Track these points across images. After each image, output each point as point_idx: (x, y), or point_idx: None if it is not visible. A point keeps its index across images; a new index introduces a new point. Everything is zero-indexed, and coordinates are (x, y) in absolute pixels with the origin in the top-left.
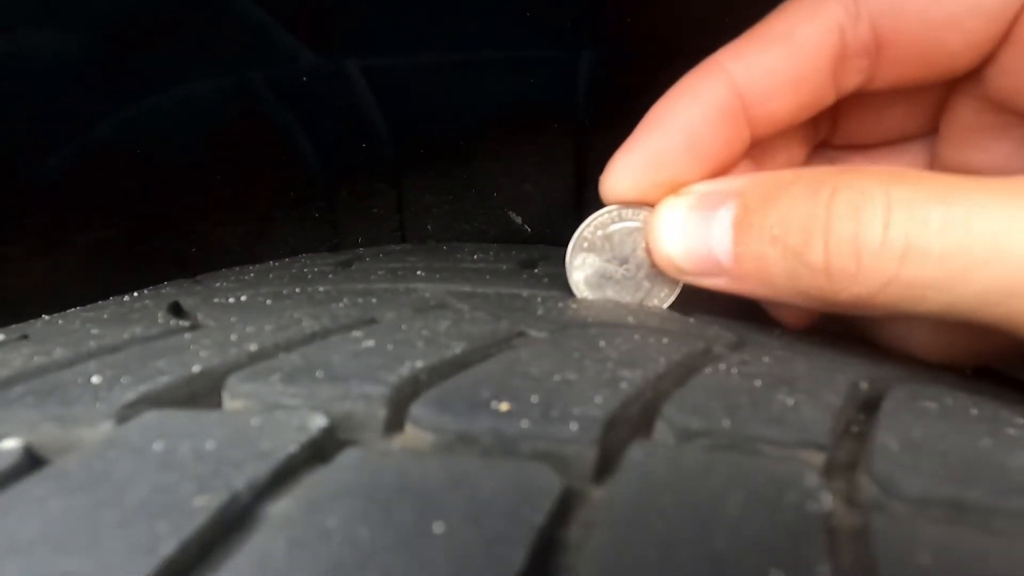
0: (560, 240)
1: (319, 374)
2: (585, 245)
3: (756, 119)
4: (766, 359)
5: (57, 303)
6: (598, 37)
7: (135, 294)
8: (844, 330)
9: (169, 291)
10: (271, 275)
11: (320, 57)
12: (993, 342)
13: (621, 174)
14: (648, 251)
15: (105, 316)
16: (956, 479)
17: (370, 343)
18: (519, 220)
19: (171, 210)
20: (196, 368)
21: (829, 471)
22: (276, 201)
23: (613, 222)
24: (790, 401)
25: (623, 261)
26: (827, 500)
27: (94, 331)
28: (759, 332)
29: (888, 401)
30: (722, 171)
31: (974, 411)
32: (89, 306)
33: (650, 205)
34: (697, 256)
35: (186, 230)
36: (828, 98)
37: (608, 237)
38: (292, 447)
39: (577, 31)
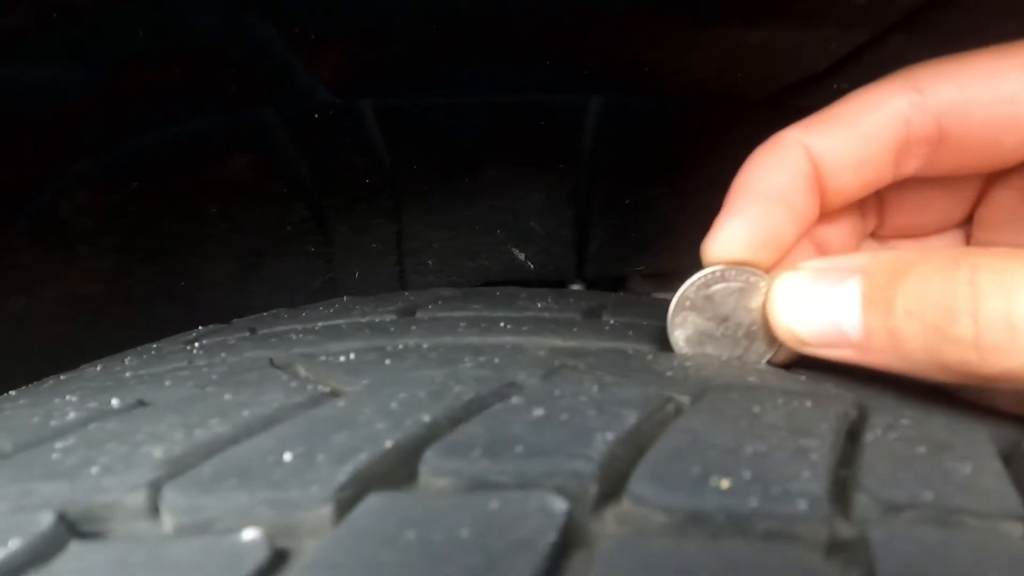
0: (562, 276)
1: (518, 448)
2: (687, 304)
3: (826, 191)
4: (904, 421)
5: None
6: (609, 83)
7: (187, 347)
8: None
9: (233, 342)
10: (343, 324)
11: (336, 96)
12: None
13: (727, 235)
14: (765, 321)
15: (215, 379)
16: None
17: (540, 411)
18: (522, 256)
19: (162, 243)
20: (388, 443)
21: None
22: (271, 235)
23: (716, 282)
24: (966, 468)
25: (723, 320)
26: None
27: (226, 397)
28: (862, 388)
29: None
30: (802, 238)
31: None
32: (143, 357)
33: (753, 266)
34: (822, 329)
35: (176, 263)
36: (887, 178)
37: (709, 297)
38: (551, 535)
39: (588, 77)
